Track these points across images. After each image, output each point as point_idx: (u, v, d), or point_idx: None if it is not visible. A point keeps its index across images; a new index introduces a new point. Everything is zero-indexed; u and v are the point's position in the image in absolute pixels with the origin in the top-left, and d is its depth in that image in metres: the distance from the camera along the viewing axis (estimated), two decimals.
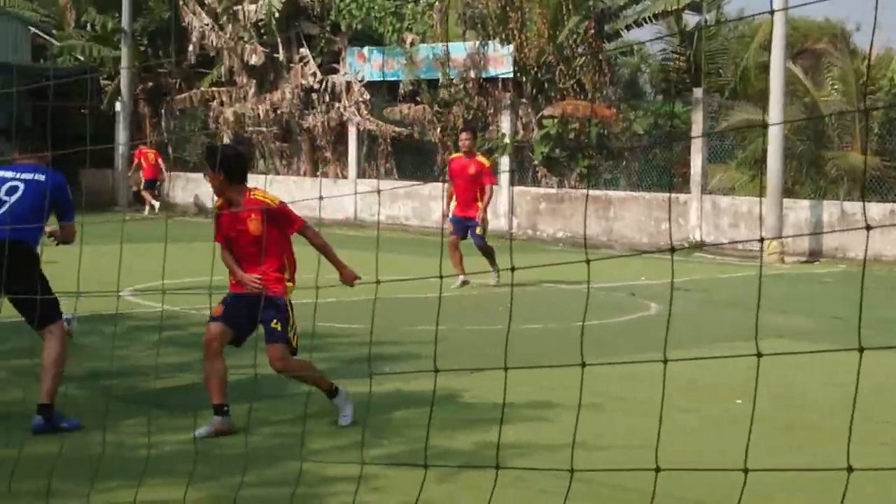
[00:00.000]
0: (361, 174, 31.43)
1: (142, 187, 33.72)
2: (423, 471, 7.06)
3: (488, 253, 16.70)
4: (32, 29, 38.49)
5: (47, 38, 38.73)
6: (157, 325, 12.67)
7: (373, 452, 7.68)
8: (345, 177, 31.79)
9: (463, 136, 17.04)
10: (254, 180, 30.53)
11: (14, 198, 8.50)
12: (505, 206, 28.24)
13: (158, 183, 34.17)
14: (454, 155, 17.43)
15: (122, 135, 34.84)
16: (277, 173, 33.35)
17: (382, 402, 9.13)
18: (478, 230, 16.64)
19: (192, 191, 34.98)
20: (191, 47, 33.92)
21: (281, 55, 33.11)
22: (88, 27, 38.04)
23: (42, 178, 8.68)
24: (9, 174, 8.73)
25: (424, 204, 29.54)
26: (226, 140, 34.15)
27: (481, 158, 17.06)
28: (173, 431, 8.14)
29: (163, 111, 36.49)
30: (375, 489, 6.78)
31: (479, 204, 16.67)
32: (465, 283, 16.57)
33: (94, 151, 33.01)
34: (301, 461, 7.02)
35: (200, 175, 34.76)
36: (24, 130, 36.63)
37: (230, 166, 8.08)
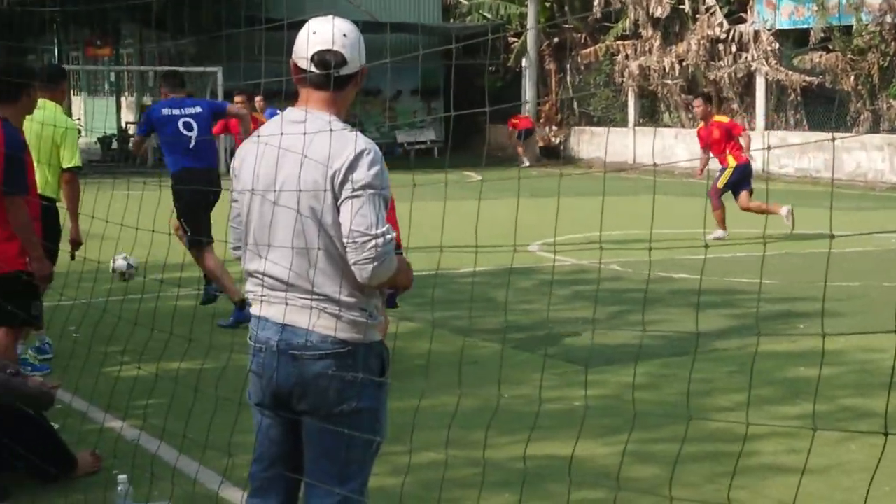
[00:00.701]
0: (769, 125, 30.61)
1: (514, 138, 34.31)
2: (840, 434, 6.78)
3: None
4: None
5: None
6: (566, 279, 12.77)
7: (788, 411, 7.44)
8: (752, 129, 31.03)
9: (695, 103, 17.23)
10: (660, 134, 30.00)
11: (193, 133, 10.44)
12: None
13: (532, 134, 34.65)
14: (699, 126, 17.20)
15: (528, 91, 35.36)
16: (683, 126, 32.94)
17: (798, 361, 8.81)
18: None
19: (598, 145, 35.11)
20: (596, 1, 33.96)
21: (687, 6, 32.62)
22: None
23: (200, 109, 10.67)
24: (176, 111, 10.46)
25: (836, 156, 28.45)
26: (630, 94, 34.03)
27: (718, 118, 16.89)
28: (581, 386, 8.13)
29: (568, 66, 36.76)
30: (793, 450, 6.55)
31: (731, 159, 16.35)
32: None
33: (502, 108, 33.72)
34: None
35: (604, 129, 34.94)
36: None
37: None
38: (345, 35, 4.03)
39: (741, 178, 16.31)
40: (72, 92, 40.86)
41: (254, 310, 4.09)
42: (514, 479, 6.01)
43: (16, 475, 6.16)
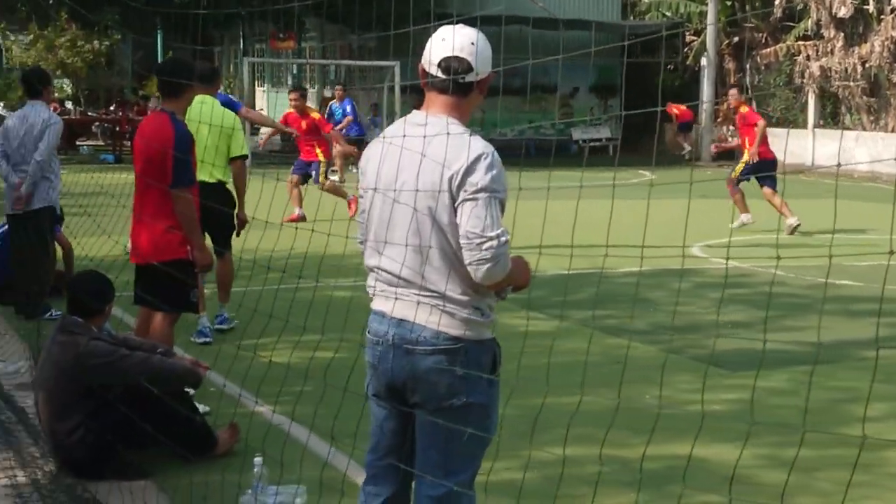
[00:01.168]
0: None
1: (674, 129, 34.57)
2: None
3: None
4: None
5: None
6: (726, 282, 12.67)
7: None
8: None
9: (730, 92, 18.53)
10: (835, 136, 29.41)
11: None
12: None
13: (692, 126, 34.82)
14: None
15: (705, 90, 35.00)
16: (864, 129, 32.21)
17: None
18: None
19: (776, 146, 34.46)
20: (777, 1, 33.44)
21: (871, 6, 31.89)
22: None
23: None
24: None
25: None
26: (810, 96, 33.39)
27: (742, 109, 17.81)
28: (727, 390, 8.13)
29: (747, 66, 36.26)
30: None
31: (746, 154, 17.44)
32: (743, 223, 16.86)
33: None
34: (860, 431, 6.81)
35: (783, 130, 34.33)
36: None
37: None
38: (472, 43, 4.17)
39: (753, 173, 17.23)
40: (255, 83, 41.85)
41: (373, 304, 4.27)
42: (639, 478, 6.09)
43: (158, 454, 6.44)
